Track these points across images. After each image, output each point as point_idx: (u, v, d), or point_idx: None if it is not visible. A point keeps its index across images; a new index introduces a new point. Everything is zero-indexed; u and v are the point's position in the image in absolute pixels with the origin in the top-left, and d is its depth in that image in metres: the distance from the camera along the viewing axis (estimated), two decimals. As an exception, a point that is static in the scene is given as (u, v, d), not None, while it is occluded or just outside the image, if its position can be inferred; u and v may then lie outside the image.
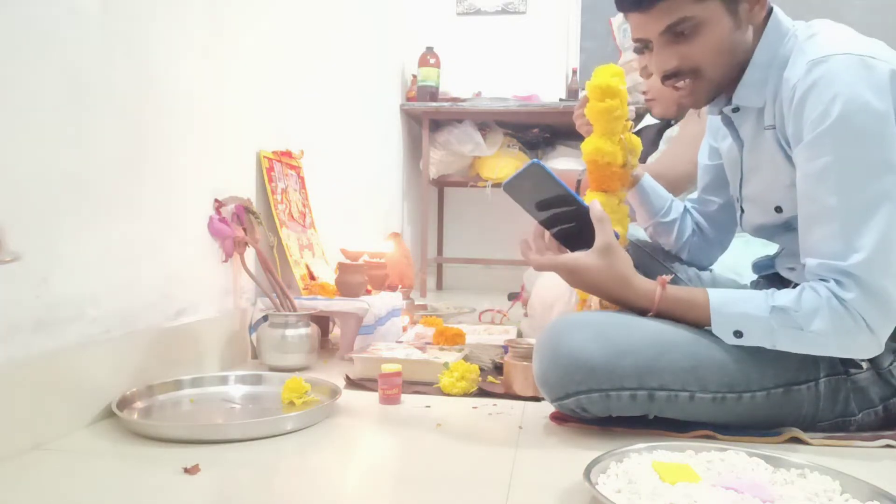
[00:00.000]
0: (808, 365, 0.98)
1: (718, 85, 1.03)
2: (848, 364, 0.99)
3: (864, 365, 0.98)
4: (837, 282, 0.91)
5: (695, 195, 1.37)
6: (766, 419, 1.00)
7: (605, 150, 1.17)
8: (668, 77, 1.03)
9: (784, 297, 0.95)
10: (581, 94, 1.28)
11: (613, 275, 1.00)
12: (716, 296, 0.98)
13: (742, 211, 1.18)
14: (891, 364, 0.98)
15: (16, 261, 0.82)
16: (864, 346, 0.93)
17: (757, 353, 0.96)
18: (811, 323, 0.92)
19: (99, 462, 0.87)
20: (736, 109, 1.08)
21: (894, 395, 1.00)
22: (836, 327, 0.91)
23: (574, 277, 1.02)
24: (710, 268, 1.40)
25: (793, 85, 0.95)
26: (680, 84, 1.03)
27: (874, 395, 0.99)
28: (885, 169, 0.90)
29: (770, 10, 1.03)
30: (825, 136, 0.91)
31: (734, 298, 0.98)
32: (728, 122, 1.12)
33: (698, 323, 0.99)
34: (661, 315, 1.01)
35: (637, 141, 1.24)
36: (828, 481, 0.76)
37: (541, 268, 1.04)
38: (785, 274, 1.16)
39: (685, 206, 1.37)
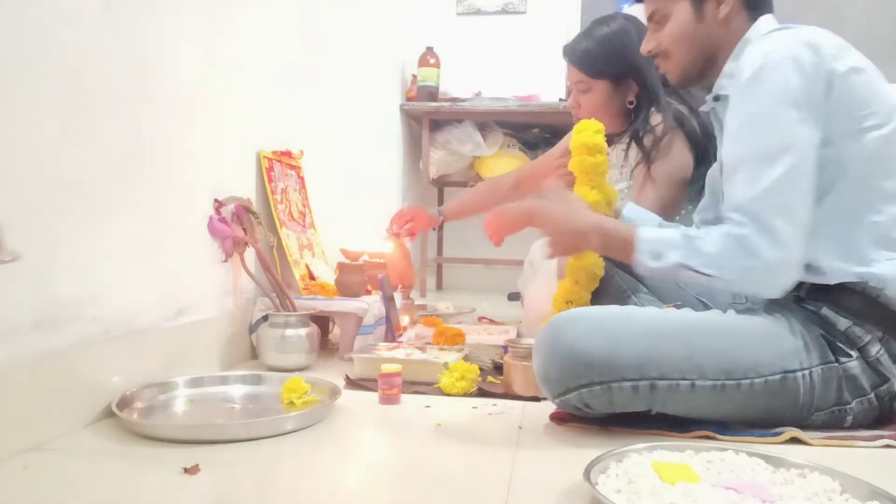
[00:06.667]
0: (801, 352, 1.01)
1: (684, 70, 1.18)
2: (838, 353, 1.02)
3: (854, 353, 1.01)
4: (738, 221, 1.00)
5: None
6: (767, 410, 1.01)
7: (598, 201, 1.24)
8: (650, 55, 1.22)
9: (695, 230, 1.06)
10: (559, 145, 1.40)
11: (567, 207, 1.15)
12: (643, 229, 1.08)
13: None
14: (878, 353, 1.01)
15: (16, 261, 0.82)
16: (761, 280, 1.01)
17: (750, 340, 1.01)
18: (707, 247, 1.01)
19: (99, 462, 0.87)
20: (717, 98, 1.16)
21: (883, 382, 1.02)
22: (727, 254, 0.99)
23: (538, 209, 1.15)
24: None
25: (743, 62, 1.06)
26: (658, 64, 1.21)
27: (865, 384, 1.02)
28: (793, 125, 0.99)
29: (759, 15, 1.12)
30: (741, 96, 1.04)
31: (654, 230, 1.11)
32: (715, 116, 1.20)
33: (626, 252, 1.06)
34: (604, 241, 1.09)
35: (614, 192, 1.32)
36: (828, 481, 0.76)
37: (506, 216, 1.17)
38: None
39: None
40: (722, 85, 1.13)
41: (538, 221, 1.15)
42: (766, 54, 1.02)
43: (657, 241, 1.05)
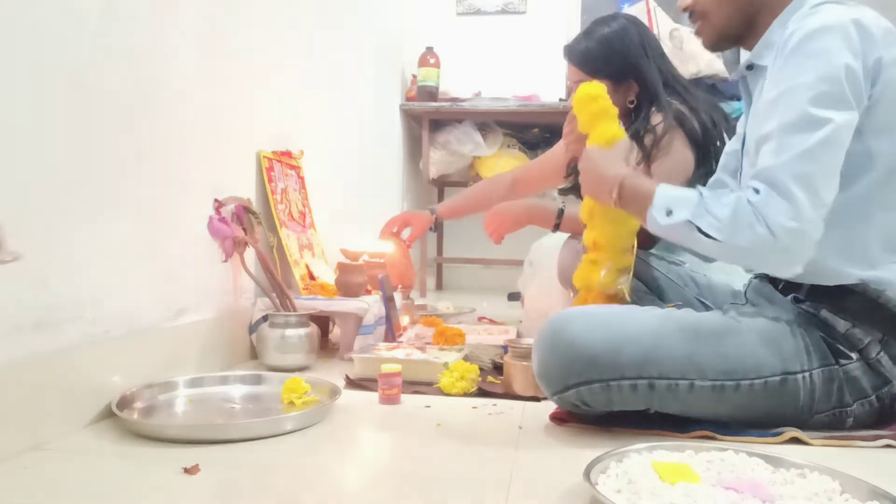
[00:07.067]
0: (801, 354, 1.00)
1: (721, 32, 1.12)
2: (838, 355, 1.01)
3: (854, 356, 1.00)
4: (754, 187, 0.95)
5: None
6: (766, 411, 1.01)
7: (620, 132, 1.19)
8: (685, 13, 1.16)
9: (712, 192, 1.00)
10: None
11: (605, 159, 1.13)
12: (664, 186, 1.04)
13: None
14: (878, 354, 1.00)
15: (16, 261, 0.82)
16: (770, 252, 0.93)
17: (750, 341, 1.00)
18: (718, 210, 0.95)
19: (99, 462, 0.87)
20: (750, 67, 1.12)
21: (885, 384, 1.01)
22: (738, 219, 0.93)
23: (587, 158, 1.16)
24: (705, 273, 1.40)
25: (790, 32, 1.00)
26: (694, 22, 1.15)
27: (866, 385, 1.01)
28: (830, 100, 0.93)
29: None
30: (782, 66, 0.98)
31: (676, 188, 1.04)
32: (744, 86, 1.16)
33: (642, 206, 1.03)
34: (622, 193, 1.07)
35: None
36: (827, 481, 0.76)
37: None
38: None
39: None
40: (760, 54, 1.08)
41: (583, 161, 1.15)
42: (813, 26, 0.96)
43: (673, 196, 1.00)
